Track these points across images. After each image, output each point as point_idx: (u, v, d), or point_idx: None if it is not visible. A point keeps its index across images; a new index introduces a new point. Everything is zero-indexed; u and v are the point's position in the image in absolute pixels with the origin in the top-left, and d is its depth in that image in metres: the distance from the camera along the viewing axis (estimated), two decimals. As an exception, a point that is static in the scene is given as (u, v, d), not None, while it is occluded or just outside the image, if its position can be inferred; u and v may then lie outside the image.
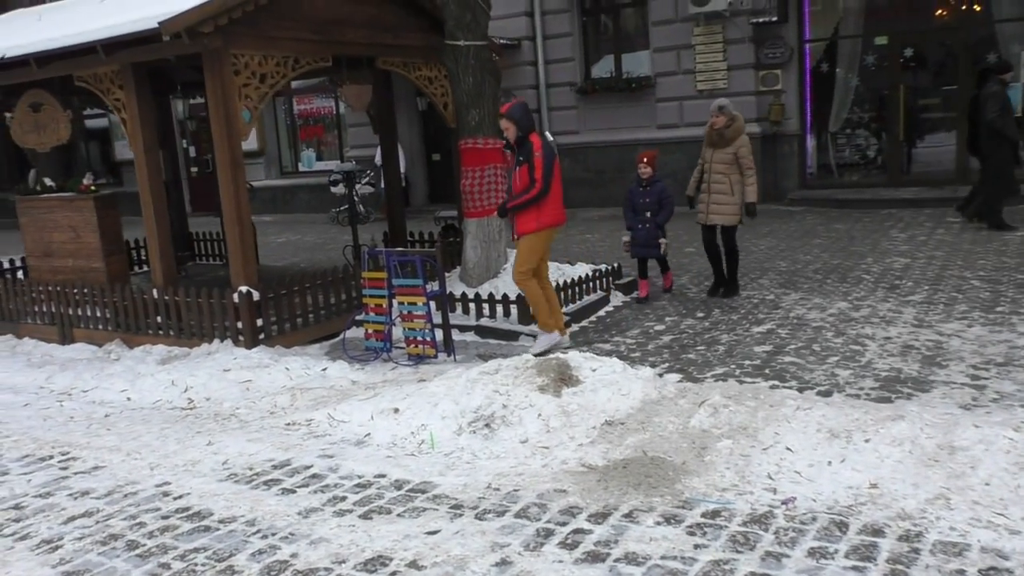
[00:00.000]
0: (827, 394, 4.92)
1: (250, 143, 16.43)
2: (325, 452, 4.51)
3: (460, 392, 4.76)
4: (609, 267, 8.08)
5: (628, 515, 3.51)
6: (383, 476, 4.13)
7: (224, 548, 3.49)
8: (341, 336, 7.00)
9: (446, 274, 7.07)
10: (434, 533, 3.48)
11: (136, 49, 6.66)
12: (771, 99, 13.37)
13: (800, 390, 5.02)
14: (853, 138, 13.86)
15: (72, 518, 3.93)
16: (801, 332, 6.33)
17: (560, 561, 3.18)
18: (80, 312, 7.77)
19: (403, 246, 9.22)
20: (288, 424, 5.02)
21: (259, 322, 6.78)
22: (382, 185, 12.77)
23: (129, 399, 5.93)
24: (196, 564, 3.38)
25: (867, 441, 3.79)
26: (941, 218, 10.92)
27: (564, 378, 4.78)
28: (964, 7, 12.84)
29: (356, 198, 12.03)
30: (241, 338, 6.71)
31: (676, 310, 7.36)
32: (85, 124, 20.40)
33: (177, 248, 9.15)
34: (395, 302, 6.55)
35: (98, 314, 7.64)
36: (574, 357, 5.06)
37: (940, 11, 12.99)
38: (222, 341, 6.77)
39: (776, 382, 5.24)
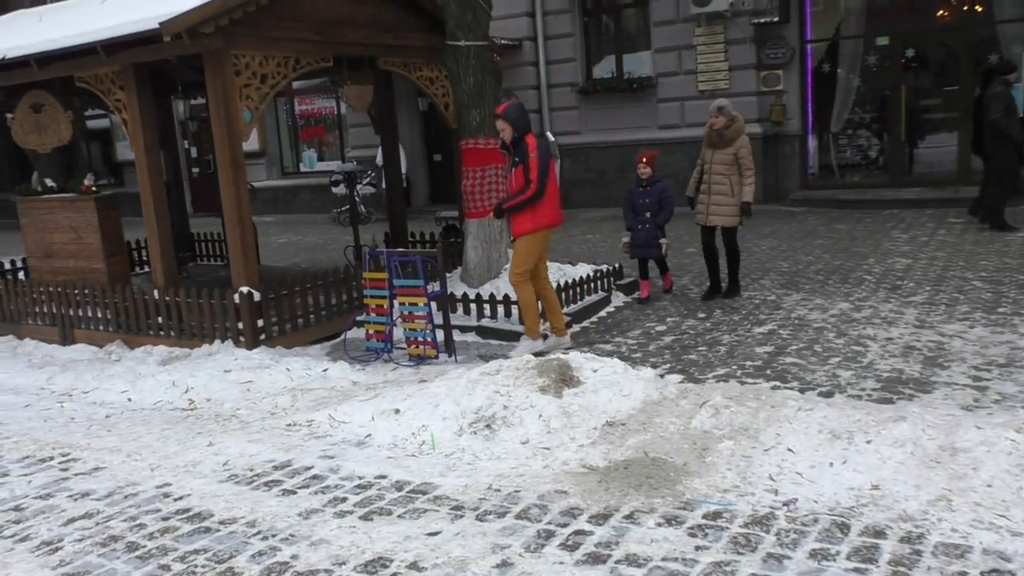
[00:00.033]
0: (829, 395, 4.91)
1: (251, 143, 16.46)
2: (326, 453, 4.50)
3: (461, 393, 4.75)
4: (610, 267, 8.07)
5: (629, 516, 3.50)
6: (384, 477, 4.13)
7: (224, 549, 3.49)
8: (342, 337, 7.00)
9: (447, 275, 7.07)
10: (435, 534, 3.47)
11: (137, 50, 6.66)
12: (772, 99, 13.36)
13: (802, 391, 5.01)
14: (855, 138, 13.85)
15: (72, 519, 3.92)
16: (803, 333, 6.32)
17: (561, 563, 3.18)
18: (81, 313, 7.77)
19: (404, 246, 9.22)
20: (289, 425, 5.02)
21: (260, 323, 6.78)
22: (383, 185, 12.78)
23: (130, 400, 5.93)
24: (196, 565, 3.37)
25: (869, 442, 3.78)
26: (943, 219, 10.91)
27: (565, 379, 4.78)
28: (965, 8, 12.83)
29: (357, 198, 12.03)
30: (242, 339, 6.71)
31: (677, 311, 7.36)
32: (86, 125, 20.43)
33: (178, 249, 9.16)
34: (396, 303, 6.54)
35: (99, 315, 7.63)
36: (575, 358, 5.05)
37: (942, 11, 12.97)
38: (223, 342, 6.77)
39: (777, 383, 5.23)
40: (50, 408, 5.92)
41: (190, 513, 3.87)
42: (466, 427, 4.52)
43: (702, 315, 7.12)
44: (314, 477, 4.20)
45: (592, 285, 7.71)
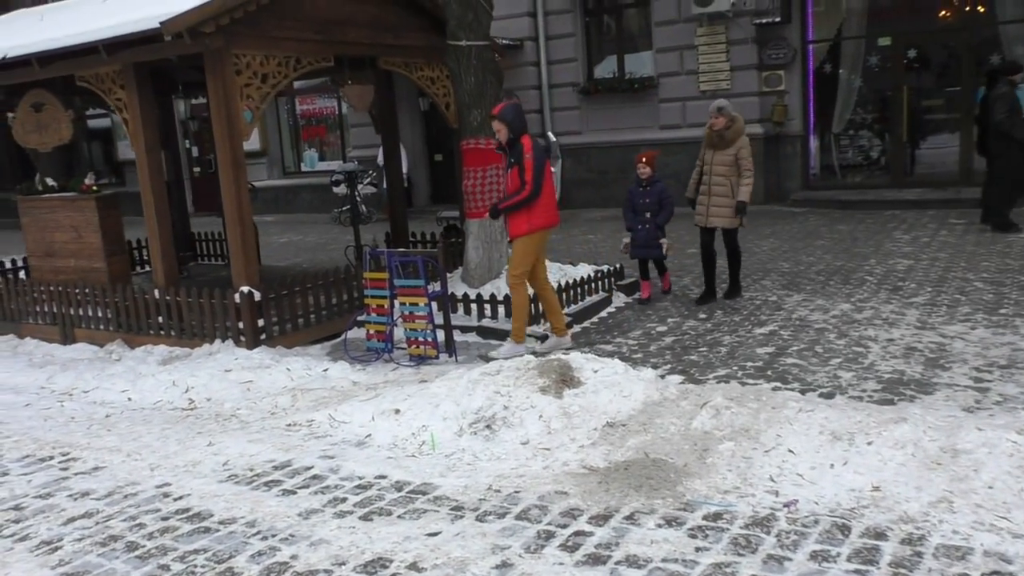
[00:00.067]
0: (829, 396, 4.90)
1: (252, 143, 16.47)
2: (326, 453, 4.49)
3: (461, 393, 4.75)
4: (611, 268, 8.07)
5: (629, 517, 3.50)
6: (384, 477, 4.12)
7: (224, 549, 3.48)
8: (342, 337, 6.99)
9: (448, 275, 7.06)
10: (435, 535, 3.47)
11: (138, 49, 6.66)
12: (774, 100, 13.35)
13: (802, 392, 5.00)
14: (856, 139, 13.84)
15: (72, 519, 3.92)
16: (803, 334, 6.31)
17: (561, 563, 3.17)
18: (81, 312, 7.77)
19: (405, 246, 9.22)
20: (289, 425, 5.02)
21: (260, 322, 6.77)
22: (384, 185, 12.79)
23: (130, 399, 5.93)
24: (196, 565, 3.37)
25: (869, 444, 3.77)
26: (945, 220, 10.90)
27: (565, 379, 4.77)
28: (968, 8, 12.81)
29: (358, 198, 12.03)
30: (242, 338, 6.71)
31: (678, 311, 7.35)
32: (87, 124, 20.40)
33: (179, 248, 9.16)
34: (397, 303, 6.54)
35: (99, 314, 7.63)
36: (576, 358, 5.04)
37: (944, 12, 12.96)
38: (223, 341, 6.77)
39: (778, 384, 5.22)
40: (50, 407, 5.92)
41: (190, 513, 3.87)
42: (466, 427, 4.52)
43: (703, 316, 7.11)
44: (314, 477, 4.19)
45: (593, 285, 7.71)
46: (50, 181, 8.41)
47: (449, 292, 6.81)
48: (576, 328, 6.94)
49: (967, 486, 3.42)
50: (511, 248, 6.34)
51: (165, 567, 3.37)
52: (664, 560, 3.14)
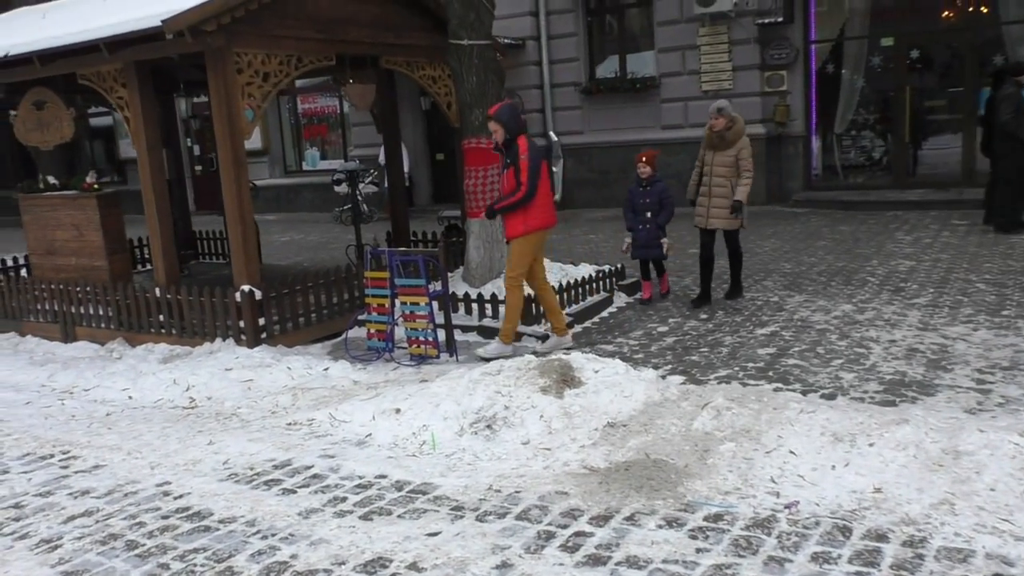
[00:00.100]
0: (831, 397, 4.89)
1: (254, 142, 16.49)
2: (326, 452, 4.49)
3: (462, 393, 4.74)
4: (612, 268, 8.06)
5: (630, 518, 3.49)
6: (384, 477, 4.12)
7: (224, 548, 3.48)
8: (343, 336, 6.99)
9: (449, 274, 7.06)
10: (435, 535, 3.46)
11: (139, 47, 6.66)
12: (776, 100, 13.34)
13: (804, 393, 4.99)
14: (858, 139, 13.82)
15: (72, 517, 3.92)
16: (805, 334, 6.30)
17: (561, 564, 3.16)
18: (82, 310, 7.77)
19: (406, 246, 9.21)
20: (289, 424, 5.01)
21: (261, 321, 6.77)
22: (385, 184, 12.78)
23: (131, 398, 5.92)
24: (195, 564, 3.36)
25: (871, 445, 3.76)
26: (947, 220, 10.88)
27: (566, 379, 4.76)
28: (971, 8, 12.79)
29: (360, 197, 12.04)
30: (243, 337, 6.71)
31: (679, 311, 7.34)
32: (89, 122, 20.43)
33: (180, 247, 9.16)
34: (397, 302, 6.53)
35: (100, 312, 7.63)
36: (576, 358, 5.04)
37: (947, 12, 12.94)
38: (224, 340, 6.77)
39: (780, 385, 5.21)
40: (51, 405, 5.91)
41: (190, 512, 3.86)
42: (467, 427, 4.51)
43: (704, 316, 7.10)
44: (314, 476, 4.19)
45: (594, 285, 7.70)
46: (51, 179, 8.41)
47: (450, 291, 6.80)
48: (577, 328, 6.93)
49: (969, 488, 3.41)
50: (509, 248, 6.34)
51: (165, 566, 3.37)
52: (664, 561, 3.13)
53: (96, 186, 7.98)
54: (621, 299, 7.87)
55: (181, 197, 10.73)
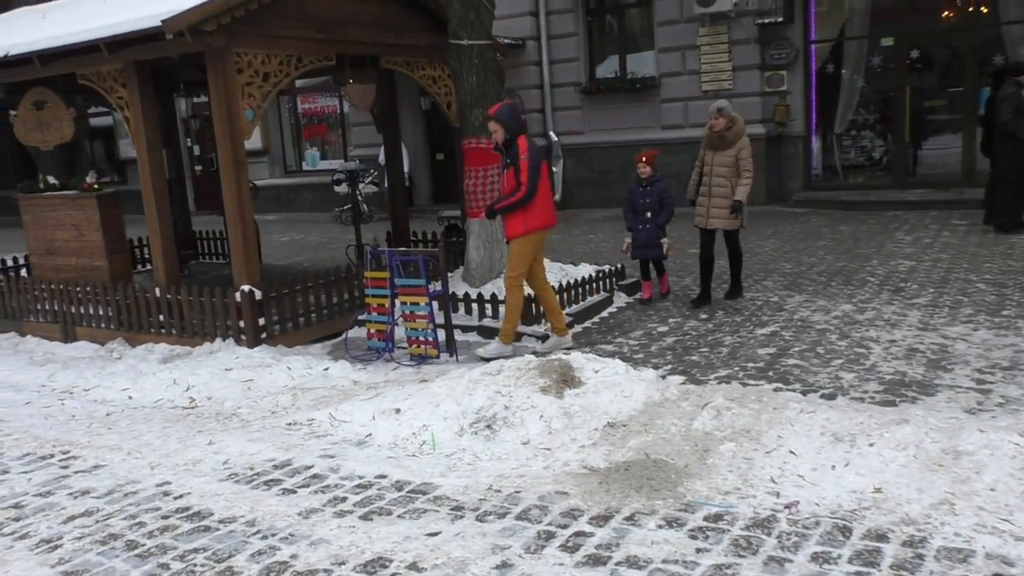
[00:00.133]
0: (831, 397, 4.89)
1: (254, 142, 16.49)
2: (326, 452, 4.49)
3: (462, 393, 4.74)
4: (612, 268, 8.05)
5: (630, 518, 3.49)
6: (384, 477, 4.11)
7: (224, 548, 3.48)
8: (343, 336, 6.99)
9: (449, 274, 7.06)
10: (435, 535, 3.46)
11: (139, 47, 6.66)
12: (776, 100, 13.34)
13: (804, 393, 4.99)
14: (858, 139, 13.82)
15: (72, 517, 3.91)
16: (805, 334, 6.30)
17: (561, 564, 3.16)
18: (82, 310, 7.77)
19: (406, 246, 9.21)
20: (289, 424, 5.01)
21: (261, 321, 6.77)
22: (386, 184, 12.77)
23: (131, 398, 5.92)
24: (195, 564, 3.36)
25: (871, 445, 3.76)
26: (947, 220, 10.88)
27: (566, 379, 4.76)
28: (971, 9, 12.79)
29: (360, 197, 12.04)
30: (243, 337, 6.71)
31: (679, 312, 7.34)
32: (89, 122, 20.42)
33: (180, 246, 9.16)
34: (397, 302, 6.53)
35: (100, 312, 7.63)
36: (577, 358, 5.04)
37: (947, 12, 12.94)
38: (224, 340, 6.77)
39: (780, 385, 5.21)
40: (51, 405, 5.91)
41: (190, 512, 3.86)
42: (467, 427, 4.51)
43: (704, 316, 7.10)
44: (314, 476, 4.19)
45: (594, 285, 7.70)
46: (52, 179, 8.41)
47: (450, 291, 6.80)
48: (577, 328, 6.93)
49: (969, 488, 3.41)
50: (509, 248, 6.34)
51: (165, 566, 3.37)
52: (664, 561, 3.13)
53: (96, 186, 7.98)
54: (621, 299, 7.87)
55: (181, 197, 10.73)
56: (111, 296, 7.48)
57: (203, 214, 15.19)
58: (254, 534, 3.59)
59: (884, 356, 5.63)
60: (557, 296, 6.82)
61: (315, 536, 3.53)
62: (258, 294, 6.75)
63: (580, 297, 7.46)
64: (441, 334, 6.39)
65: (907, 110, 13.09)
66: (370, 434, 4.68)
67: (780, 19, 12.92)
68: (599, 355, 5.44)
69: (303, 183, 18.67)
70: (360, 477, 4.13)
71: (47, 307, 8.04)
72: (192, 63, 7.19)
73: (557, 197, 14.71)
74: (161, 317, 7.21)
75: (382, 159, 12.84)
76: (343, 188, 14.60)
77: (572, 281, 7.42)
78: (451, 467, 4.18)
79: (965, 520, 3.23)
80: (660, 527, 3.40)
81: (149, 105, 7.08)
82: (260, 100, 6.76)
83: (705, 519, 3.44)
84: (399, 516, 3.67)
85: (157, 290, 7.20)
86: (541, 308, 6.64)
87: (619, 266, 8.18)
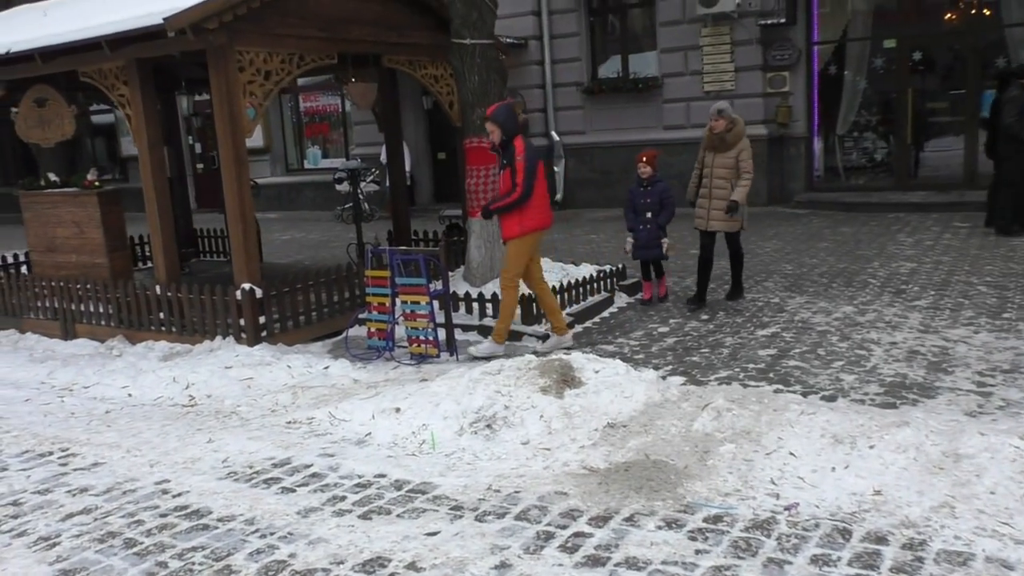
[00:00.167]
0: (831, 399, 4.89)
1: (256, 140, 16.49)
2: (326, 451, 4.48)
3: (462, 392, 4.73)
4: (613, 268, 8.05)
5: (629, 519, 3.48)
6: (383, 476, 4.11)
7: (222, 547, 3.47)
8: (343, 334, 6.98)
9: (450, 273, 7.05)
10: (434, 534, 3.46)
11: (141, 45, 6.65)
12: (778, 101, 13.32)
13: (804, 395, 4.98)
14: (860, 141, 13.80)
15: (70, 515, 3.91)
16: (806, 336, 6.29)
17: (560, 565, 3.16)
18: (83, 308, 7.77)
19: (407, 245, 9.21)
20: (289, 422, 5.01)
21: (261, 319, 6.76)
22: (387, 183, 12.77)
23: (130, 395, 5.92)
24: (194, 563, 3.36)
25: (871, 447, 3.75)
26: (948, 223, 10.87)
27: (567, 379, 4.76)
28: (973, 11, 12.77)
29: (361, 196, 12.02)
30: (243, 335, 6.70)
31: (680, 312, 7.33)
32: (91, 119, 20.41)
33: (181, 244, 9.15)
34: (398, 301, 6.53)
35: (101, 310, 7.63)
36: (577, 358, 5.03)
37: (949, 15, 12.92)
38: (224, 338, 6.76)
39: (780, 386, 5.20)
40: (50, 403, 5.91)
41: (188, 510, 3.86)
42: (467, 427, 4.50)
43: (705, 317, 7.09)
44: (313, 475, 4.18)
45: (595, 286, 7.69)
46: (53, 176, 8.41)
47: (451, 291, 6.79)
48: (578, 328, 6.92)
49: (969, 491, 3.40)
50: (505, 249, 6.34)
51: (163, 564, 3.36)
52: (664, 562, 3.13)
53: (97, 183, 7.97)
54: (622, 299, 7.87)
55: (182, 195, 10.73)
56: (111, 293, 7.48)
57: (204, 212, 15.19)
58: (253, 533, 3.59)
59: (885, 358, 5.62)
60: (557, 296, 6.81)
61: (314, 535, 3.52)
62: (259, 292, 6.74)
63: (581, 297, 7.46)
64: (441, 333, 6.38)
65: (909, 112, 13.08)
66: (370, 433, 4.68)
67: (783, 20, 12.90)
68: (600, 355, 5.43)
69: (304, 181, 18.67)
70: (359, 476, 4.13)
71: (47, 304, 8.03)
72: (194, 61, 7.19)
73: (559, 197, 14.74)
74: (161, 315, 7.20)
75: (383, 158, 12.83)
76: (344, 187, 14.59)
77: (573, 281, 7.42)
78: (450, 467, 4.18)
79: (965, 523, 3.22)
80: (659, 528, 3.39)
81: (150, 103, 7.08)
82: (262, 98, 6.76)
83: (705, 520, 3.43)
84: (398, 515, 3.67)
85: (157, 288, 7.20)
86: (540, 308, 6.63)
87: (620, 266, 8.17)
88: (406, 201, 9.90)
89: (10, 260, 9.53)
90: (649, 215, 7.47)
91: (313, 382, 5.84)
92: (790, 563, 3.07)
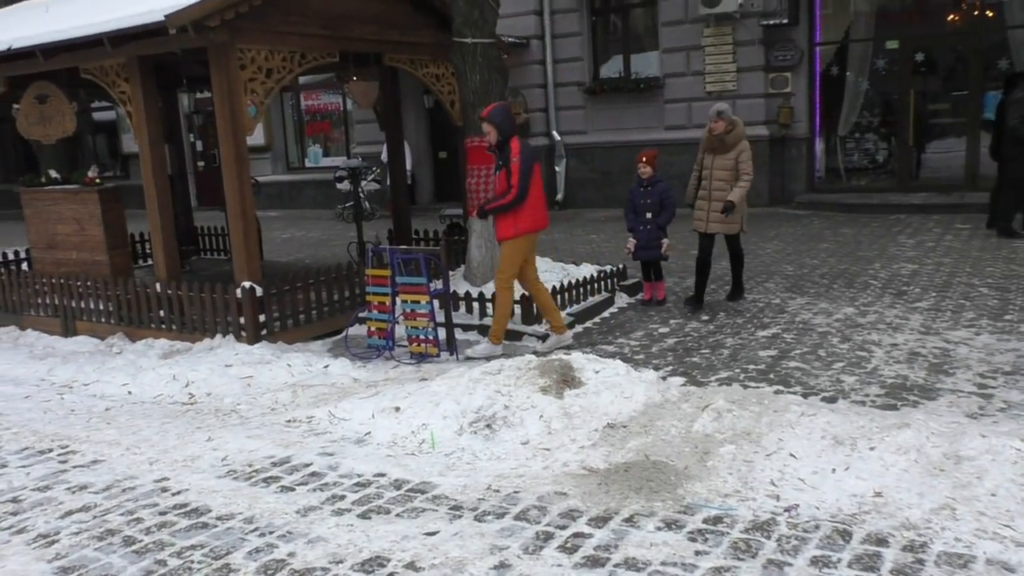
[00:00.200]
0: (832, 400, 4.88)
1: (257, 138, 16.46)
2: (325, 450, 4.48)
3: (462, 392, 4.73)
4: (614, 268, 8.04)
5: (629, 519, 3.48)
6: (383, 475, 4.10)
7: (221, 545, 3.47)
8: (344, 333, 6.98)
9: (450, 272, 7.04)
10: (433, 534, 3.45)
11: (142, 42, 6.65)
12: (780, 102, 13.32)
13: (805, 396, 4.97)
14: (862, 142, 13.79)
15: (69, 512, 3.91)
16: (806, 337, 6.29)
17: (559, 565, 3.15)
18: (83, 305, 7.76)
19: (408, 244, 9.20)
20: (289, 421, 5.00)
21: (262, 318, 6.76)
22: (388, 182, 12.76)
23: (130, 393, 5.92)
24: (192, 561, 3.35)
25: (872, 449, 3.75)
26: (950, 224, 10.86)
27: (567, 379, 4.75)
28: (976, 12, 12.77)
29: (362, 195, 12.02)
30: (243, 334, 6.70)
31: (681, 313, 7.32)
32: (92, 116, 20.44)
33: (182, 242, 9.15)
34: (398, 300, 6.52)
35: (101, 307, 7.63)
36: (577, 358, 5.02)
37: (952, 16, 12.92)
38: (224, 336, 6.76)
39: (781, 387, 5.20)
40: (50, 400, 5.91)
41: (188, 508, 3.85)
42: (466, 426, 4.50)
43: (705, 317, 7.09)
44: (313, 474, 4.18)
45: (595, 286, 7.68)
46: (53, 173, 8.41)
47: (451, 290, 6.79)
48: (578, 328, 6.91)
49: (970, 493, 3.40)
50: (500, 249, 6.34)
51: (162, 562, 3.36)
52: (663, 563, 3.12)
53: (98, 180, 7.97)
54: (623, 300, 7.86)
55: (183, 192, 10.73)
56: (112, 291, 7.47)
57: (205, 209, 15.19)
58: (252, 531, 3.58)
59: (886, 360, 5.61)
60: (557, 296, 6.80)
61: (313, 534, 3.52)
62: (259, 290, 6.74)
63: (581, 297, 7.45)
64: (442, 332, 6.38)
65: (911, 113, 13.08)
66: (369, 432, 4.67)
67: (785, 21, 12.90)
68: (600, 355, 5.42)
69: (305, 180, 18.67)
70: (359, 475, 4.12)
71: (48, 301, 8.03)
72: (195, 59, 7.17)
73: (559, 197, 14.73)
74: (161, 312, 7.20)
75: (384, 157, 12.82)
76: (345, 185, 14.58)
77: (574, 281, 7.41)
78: (450, 466, 4.17)
79: (966, 525, 3.22)
80: (659, 529, 3.38)
81: (152, 100, 7.07)
82: (263, 96, 6.75)
83: (704, 521, 3.43)
84: (397, 515, 3.66)
85: (158, 285, 7.19)
86: (536, 311, 6.62)
87: (620, 267, 8.16)
88: (407, 200, 9.89)
89: (11, 257, 9.53)
90: (649, 215, 7.46)
91: (313, 381, 5.84)
92: (790, 565, 3.07)
